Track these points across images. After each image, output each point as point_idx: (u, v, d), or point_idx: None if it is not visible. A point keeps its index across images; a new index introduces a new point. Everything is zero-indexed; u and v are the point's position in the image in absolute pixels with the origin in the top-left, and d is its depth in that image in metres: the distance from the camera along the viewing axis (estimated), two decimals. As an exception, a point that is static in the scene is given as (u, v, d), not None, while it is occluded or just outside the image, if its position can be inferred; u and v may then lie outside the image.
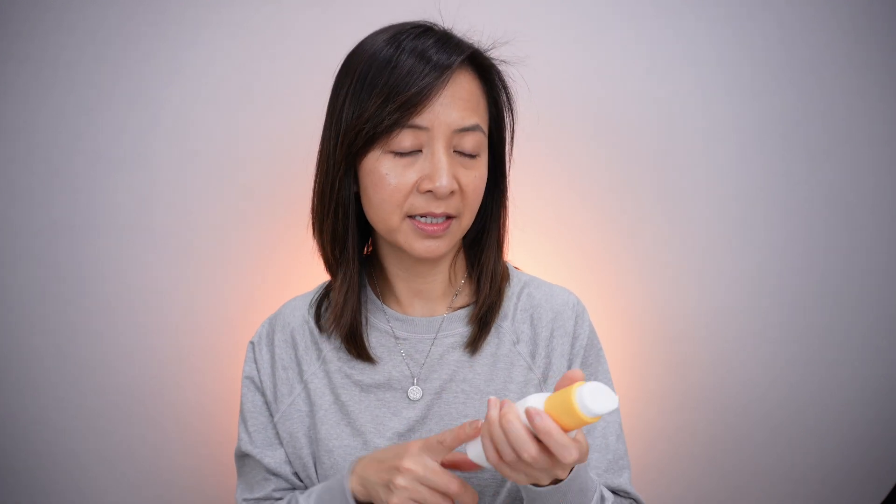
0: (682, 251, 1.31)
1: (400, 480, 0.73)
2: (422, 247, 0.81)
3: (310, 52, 1.21)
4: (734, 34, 1.27)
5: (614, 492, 0.87)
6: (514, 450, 0.65)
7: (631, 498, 0.88)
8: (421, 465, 0.73)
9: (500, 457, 0.66)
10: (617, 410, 0.90)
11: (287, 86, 1.23)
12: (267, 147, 1.25)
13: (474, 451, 0.71)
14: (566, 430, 0.62)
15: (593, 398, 0.58)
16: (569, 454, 0.62)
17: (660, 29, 1.27)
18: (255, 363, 0.94)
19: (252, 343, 0.96)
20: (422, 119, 0.77)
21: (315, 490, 0.84)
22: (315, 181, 0.86)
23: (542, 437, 0.63)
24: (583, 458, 0.67)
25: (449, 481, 0.73)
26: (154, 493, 1.30)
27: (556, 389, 0.66)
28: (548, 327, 0.90)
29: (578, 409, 0.59)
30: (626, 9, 1.26)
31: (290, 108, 1.23)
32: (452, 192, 0.79)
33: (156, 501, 1.30)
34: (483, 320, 0.88)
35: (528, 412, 0.63)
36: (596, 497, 0.76)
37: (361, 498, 0.79)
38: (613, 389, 0.89)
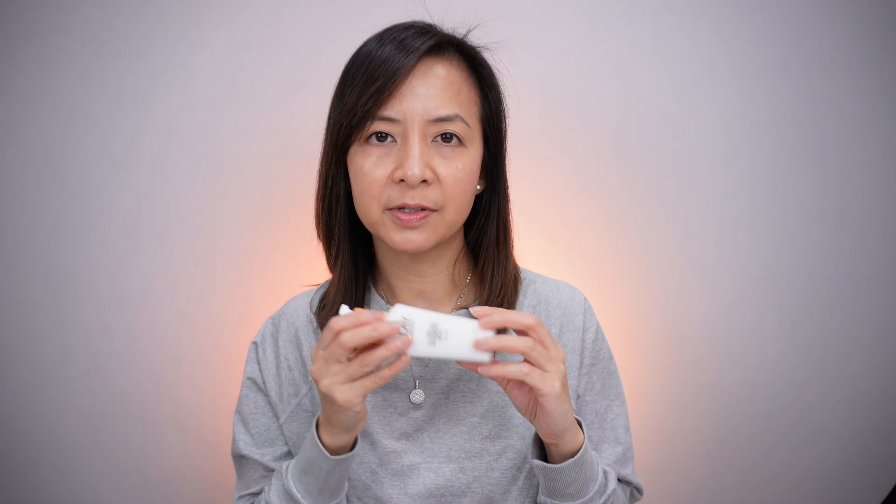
0: (687, 251, 1.31)
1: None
2: (399, 238, 0.80)
3: (309, 52, 1.21)
4: (737, 32, 1.27)
5: (619, 480, 0.89)
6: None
7: (633, 486, 0.90)
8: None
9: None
10: (625, 405, 0.94)
11: (287, 85, 1.22)
12: (266, 146, 1.24)
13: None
14: None
15: None
16: (526, 316, 0.72)
17: (663, 28, 1.27)
18: (258, 363, 0.93)
19: (255, 343, 0.95)
20: (392, 111, 0.77)
21: (292, 462, 0.82)
22: (317, 184, 0.88)
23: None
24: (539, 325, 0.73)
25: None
26: (152, 492, 1.29)
27: None
28: (557, 324, 0.90)
29: None
30: (632, 7, 1.26)
31: (289, 107, 1.22)
32: (426, 182, 0.78)
33: (153, 501, 1.29)
34: None
35: (472, 310, 0.72)
36: (600, 471, 0.80)
37: (329, 442, 0.77)
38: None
